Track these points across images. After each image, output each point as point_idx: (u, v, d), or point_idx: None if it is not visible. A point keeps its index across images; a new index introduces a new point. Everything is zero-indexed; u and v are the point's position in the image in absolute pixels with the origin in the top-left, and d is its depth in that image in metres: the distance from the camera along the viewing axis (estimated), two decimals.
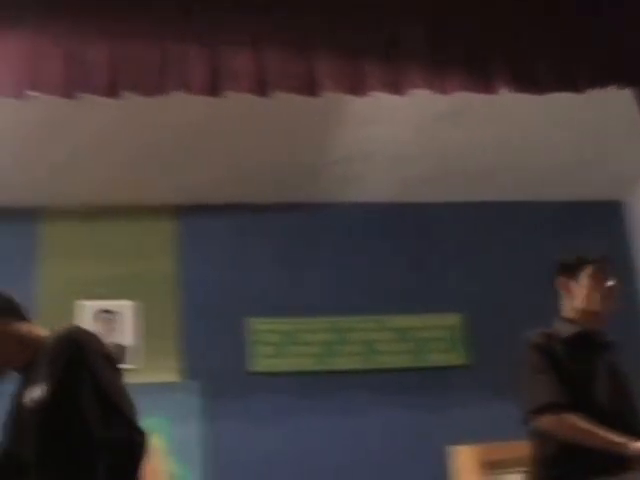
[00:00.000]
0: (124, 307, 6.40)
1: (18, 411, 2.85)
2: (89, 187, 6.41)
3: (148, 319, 6.40)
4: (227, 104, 4.53)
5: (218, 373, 6.26)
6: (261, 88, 4.21)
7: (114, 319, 6.36)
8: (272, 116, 5.50)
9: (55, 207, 6.61)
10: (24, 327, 2.96)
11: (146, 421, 5.92)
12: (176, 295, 6.50)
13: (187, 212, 6.67)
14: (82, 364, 2.75)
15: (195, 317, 6.44)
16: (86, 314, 6.34)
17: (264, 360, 6.36)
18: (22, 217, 6.58)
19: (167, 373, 6.28)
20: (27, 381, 2.86)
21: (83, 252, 6.59)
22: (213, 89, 4.17)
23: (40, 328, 2.98)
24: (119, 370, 2.86)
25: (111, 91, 4.15)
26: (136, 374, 6.22)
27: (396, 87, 4.40)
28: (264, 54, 4.23)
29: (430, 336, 6.58)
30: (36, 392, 2.72)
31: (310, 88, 4.31)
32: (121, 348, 6.29)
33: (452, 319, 6.63)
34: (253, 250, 6.67)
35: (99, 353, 2.85)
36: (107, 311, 6.37)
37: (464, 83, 4.46)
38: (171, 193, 6.53)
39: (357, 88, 4.38)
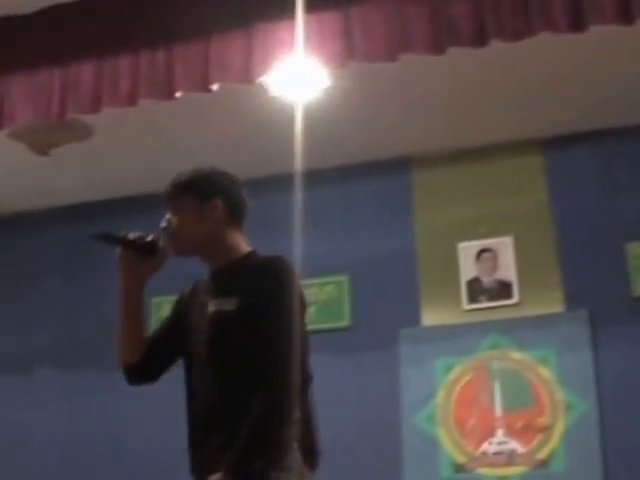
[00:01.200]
0: (503, 244, 6.54)
1: (203, 314, 2.90)
2: (455, 130, 6.57)
3: (527, 253, 6.50)
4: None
5: (602, 300, 6.25)
6: (626, 17, 4.15)
7: (495, 257, 6.52)
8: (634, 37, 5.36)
9: (425, 153, 6.85)
10: (235, 235, 3.00)
11: (534, 353, 6.15)
12: (552, 227, 6.54)
13: (553, 144, 6.66)
14: (280, 294, 2.77)
15: (573, 247, 6.44)
16: (467, 255, 6.57)
17: None
18: (395, 166, 6.89)
19: (551, 304, 6.35)
20: (217, 287, 2.91)
21: (455, 194, 6.78)
22: (577, 25, 4.16)
23: (245, 242, 3.03)
24: (305, 313, 2.91)
25: (478, 40, 4.26)
26: (521, 308, 6.38)
27: None
28: None
29: None
30: (228, 303, 2.80)
31: None
32: (504, 284, 6.45)
33: None
34: (624, 175, 6.55)
35: (297, 291, 2.85)
36: (487, 250, 6.54)
37: None
38: (536, 127, 6.55)
39: None
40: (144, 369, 3.11)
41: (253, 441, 2.64)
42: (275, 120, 5.66)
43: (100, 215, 7.28)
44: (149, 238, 2.99)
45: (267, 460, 2.63)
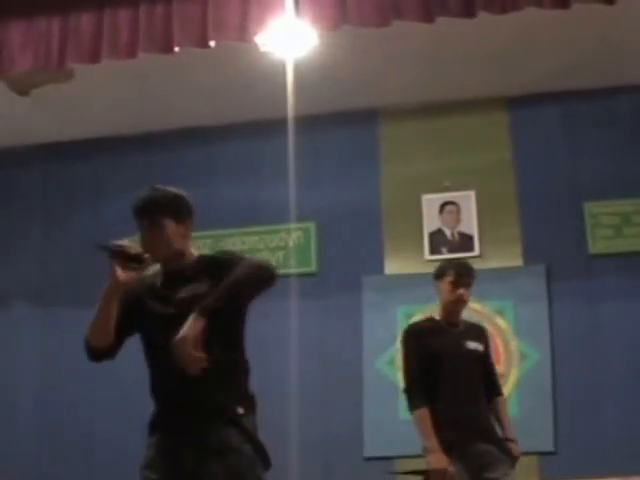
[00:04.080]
0: (466, 197, 6.79)
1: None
2: (423, 85, 6.73)
3: (489, 208, 6.75)
4: None
5: (559, 256, 6.53)
6: None
7: (457, 210, 6.76)
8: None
9: (391, 107, 7.03)
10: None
11: (492, 304, 6.42)
12: (514, 183, 6.78)
13: (519, 103, 6.88)
14: None
15: (534, 203, 6.70)
16: (430, 207, 6.81)
17: (603, 242, 6.56)
18: (362, 118, 7.07)
19: (510, 258, 6.63)
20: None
21: (421, 148, 6.99)
22: (562, 3, 4.36)
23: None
24: None
25: (467, 12, 4.47)
26: (482, 260, 6.63)
27: None
28: None
29: None
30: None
31: None
32: (466, 237, 6.70)
33: None
34: (585, 135, 6.79)
35: None
36: (450, 202, 6.79)
37: None
38: (503, 85, 6.75)
39: None
40: (114, 350, 3.42)
41: None
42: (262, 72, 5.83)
43: (73, 154, 7.38)
44: (136, 251, 3.22)
45: None
